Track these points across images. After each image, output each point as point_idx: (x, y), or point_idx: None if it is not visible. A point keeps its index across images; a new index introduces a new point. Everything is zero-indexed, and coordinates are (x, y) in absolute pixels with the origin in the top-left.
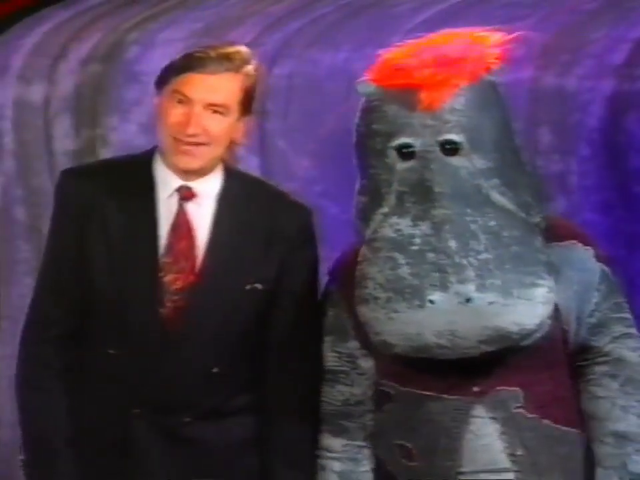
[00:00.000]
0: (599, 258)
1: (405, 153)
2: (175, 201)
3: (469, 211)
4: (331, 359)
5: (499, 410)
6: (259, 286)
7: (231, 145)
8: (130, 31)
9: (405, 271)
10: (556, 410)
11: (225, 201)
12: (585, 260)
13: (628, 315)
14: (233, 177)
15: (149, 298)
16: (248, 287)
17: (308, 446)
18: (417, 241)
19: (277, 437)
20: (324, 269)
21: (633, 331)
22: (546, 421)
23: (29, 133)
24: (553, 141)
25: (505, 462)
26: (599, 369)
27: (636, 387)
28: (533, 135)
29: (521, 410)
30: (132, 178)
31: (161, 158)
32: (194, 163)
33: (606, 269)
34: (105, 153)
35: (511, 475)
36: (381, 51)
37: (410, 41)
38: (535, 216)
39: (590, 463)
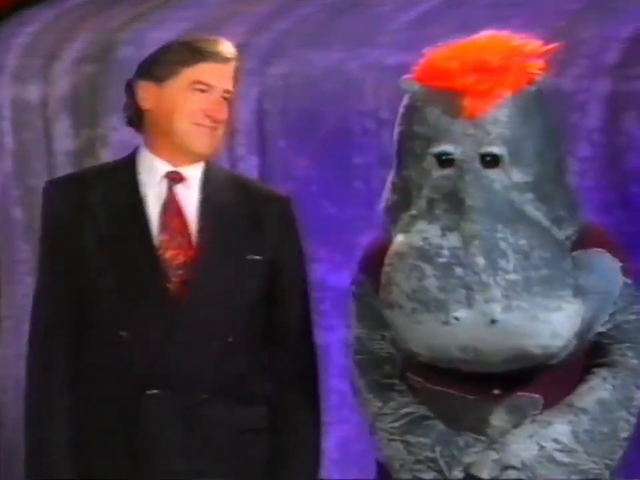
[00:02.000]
0: (625, 271)
1: (444, 160)
2: (164, 185)
3: (500, 227)
4: (376, 344)
5: (516, 414)
6: (257, 257)
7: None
8: (119, 31)
9: (431, 283)
10: None
11: (208, 185)
12: (610, 270)
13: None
14: (212, 166)
15: (154, 275)
16: (249, 257)
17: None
18: (445, 252)
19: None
20: (323, 268)
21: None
22: None
23: (27, 132)
24: None
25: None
26: (597, 368)
27: (620, 383)
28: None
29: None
30: (115, 177)
31: (148, 149)
32: (209, 147)
33: (629, 282)
34: (105, 153)
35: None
36: (426, 50)
37: (452, 42)
38: (567, 229)
39: None
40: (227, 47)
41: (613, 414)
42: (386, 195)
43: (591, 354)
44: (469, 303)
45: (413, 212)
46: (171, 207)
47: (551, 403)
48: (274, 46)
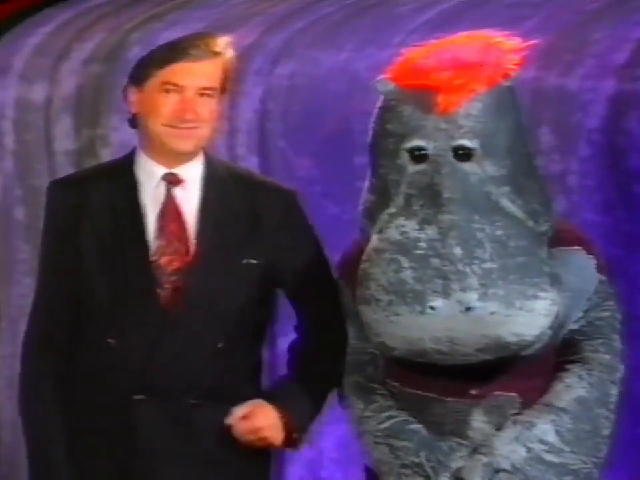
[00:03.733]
0: (600, 268)
1: (417, 155)
2: (162, 188)
3: (476, 217)
4: (359, 345)
5: (494, 414)
6: (253, 261)
7: (214, 128)
8: (132, 31)
9: (408, 274)
10: None
11: (209, 183)
12: (585, 268)
13: (615, 325)
14: (214, 162)
15: (145, 281)
16: (245, 262)
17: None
18: (422, 245)
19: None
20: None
21: (615, 342)
22: None
23: (29, 133)
24: (553, 141)
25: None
26: (570, 365)
27: (596, 381)
28: (533, 135)
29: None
30: (114, 178)
31: (143, 151)
32: (189, 145)
33: (604, 279)
34: (106, 153)
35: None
36: (402, 50)
37: (429, 42)
38: (542, 224)
39: None
40: (205, 44)
41: (592, 411)
42: (363, 197)
43: (562, 351)
44: (446, 293)
45: (392, 210)
46: (169, 211)
47: (527, 401)
48: (284, 46)
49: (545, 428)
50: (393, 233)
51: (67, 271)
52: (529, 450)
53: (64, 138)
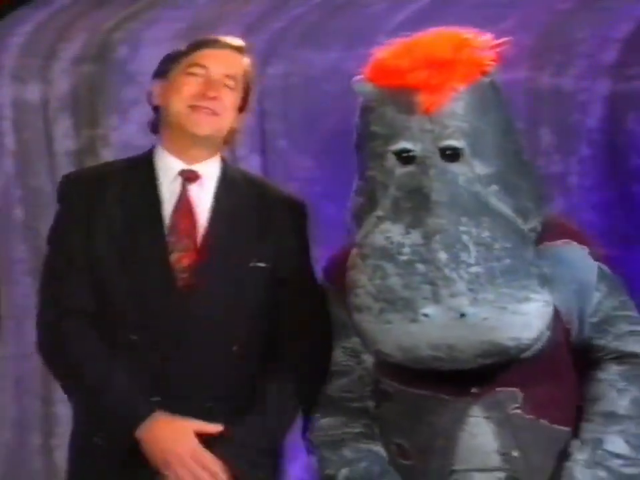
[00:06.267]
0: (594, 256)
1: (405, 157)
2: (178, 183)
3: (464, 220)
4: (337, 356)
5: (495, 410)
6: (262, 264)
7: (230, 135)
8: (114, 31)
9: (395, 281)
10: (554, 410)
11: (224, 184)
12: (580, 259)
13: (632, 313)
14: (230, 167)
15: (162, 278)
16: (252, 264)
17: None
18: (407, 250)
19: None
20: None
21: (638, 328)
22: (543, 422)
23: (28, 133)
24: (552, 141)
25: (497, 461)
26: (605, 364)
27: (637, 377)
28: (532, 135)
29: (518, 411)
30: (133, 173)
31: (162, 146)
32: (207, 129)
33: (603, 267)
34: (106, 153)
35: (502, 475)
36: (372, 50)
37: (398, 40)
38: (532, 221)
39: None
40: (230, 38)
41: None
42: (352, 200)
43: (591, 349)
44: (436, 299)
45: (379, 213)
46: (182, 207)
47: (530, 397)
48: (270, 46)
49: (614, 440)
50: (378, 238)
51: (81, 261)
52: (609, 469)
53: (64, 138)
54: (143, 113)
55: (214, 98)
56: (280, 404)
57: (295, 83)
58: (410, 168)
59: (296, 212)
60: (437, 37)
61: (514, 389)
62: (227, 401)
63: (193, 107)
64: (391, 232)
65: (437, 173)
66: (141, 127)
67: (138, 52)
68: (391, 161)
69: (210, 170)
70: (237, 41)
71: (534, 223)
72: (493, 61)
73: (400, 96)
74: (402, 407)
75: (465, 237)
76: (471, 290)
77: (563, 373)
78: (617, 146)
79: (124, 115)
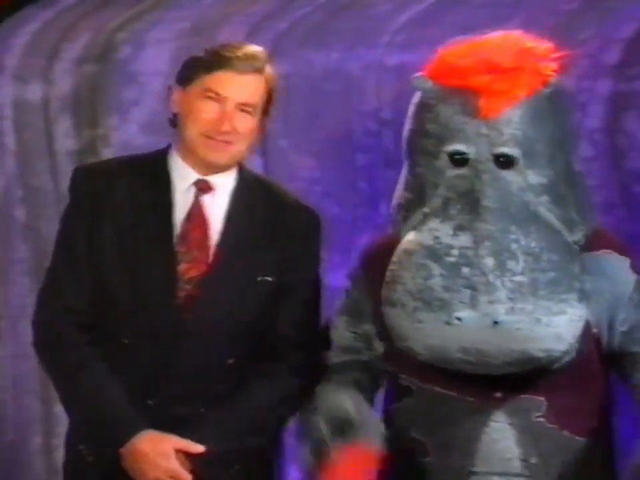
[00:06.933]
0: (635, 268)
1: (458, 159)
2: (191, 193)
3: (513, 228)
4: (347, 338)
5: (518, 417)
6: (269, 278)
7: (251, 145)
8: (118, 31)
9: (437, 282)
10: (576, 420)
11: (238, 195)
12: (619, 269)
13: None
14: (247, 175)
15: (164, 286)
16: (259, 279)
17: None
18: (455, 252)
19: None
20: (323, 268)
21: None
22: (565, 432)
23: (29, 133)
24: None
25: (517, 468)
26: None
27: None
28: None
29: (541, 419)
30: (146, 173)
31: (178, 154)
32: (223, 158)
33: None
34: (107, 153)
35: None
36: (437, 48)
37: (463, 40)
38: (577, 232)
39: (603, 473)
40: (252, 57)
41: None
42: (398, 192)
43: (621, 358)
44: (473, 304)
45: (426, 210)
46: (195, 217)
47: (554, 406)
48: (273, 46)
49: None
50: (426, 237)
51: (86, 256)
52: None
53: (64, 138)
54: (144, 113)
55: (227, 132)
56: (255, 406)
57: (297, 84)
58: (462, 170)
59: (309, 224)
60: (503, 41)
61: (538, 397)
62: (220, 407)
63: (205, 136)
64: (439, 231)
65: (490, 179)
66: (141, 127)
67: (140, 52)
68: (443, 161)
69: (225, 181)
70: (259, 58)
71: (579, 235)
72: (556, 71)
73: (459, 97)
74: (423, 404)
75: (513, 245)
76: (510, 299)
77: (588, 384)
78: (618, 146)
79: (125, 115)
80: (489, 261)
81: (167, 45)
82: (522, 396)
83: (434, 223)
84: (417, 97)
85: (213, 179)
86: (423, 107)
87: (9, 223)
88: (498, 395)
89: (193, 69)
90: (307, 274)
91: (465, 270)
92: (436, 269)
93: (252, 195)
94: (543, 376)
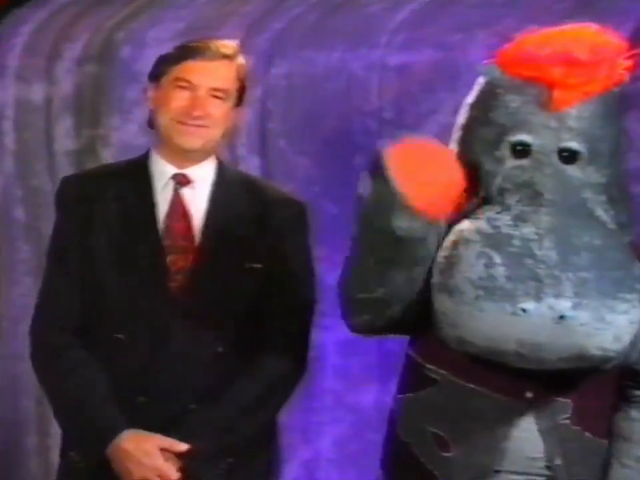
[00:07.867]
0: None
1: (520, 150)
2: (170, 187)
3: (573, 223)
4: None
5: (545, 418)
6: (257, 265)
7: (226, 132)
8: (117, 30)
9: (499, 272)
10: (598, 423)
11: (219, 187)
12: None
13: None
14: (226, 168)
15: (155, 278)
16: (247, 266)
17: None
18: (516, 243)
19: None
20: (323, 267)
21: None
22: (588, 434)
23: (29, 133)
24: None
25: (541, 468)
26: None
27: None
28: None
29: (567, 421)
30: (129, 176)
31: (156, 151)
32: (196, 143)
33: None
34: (106, 153)
35: None
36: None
37: (536, 31)
38: (626, 237)
39: None
40: (221, 46)
41: None
42: None
43: (631, 374)
44: (538, 296)
45: (479, 199)
46: (176, 211)
47: (580, 408)
48: (273, 46)
49: None
50: (484, 226)
51: (78, 264)
52: None
53: (64, 138)
54: (145, 113)
55: (199, 117)
56: (243, 399)
57: (297, 83)
58: (523, 162)
59: (295, 212)
60: (579, 33)
61: (567, 399)
62: (209, 402)
63: (178, 122)
64: (498, 221)
65: (553, 172)
66: (141, 127)
67: (141, 52)
68: (504, 150)
69: (203, 173)
70: (229, 47)
71: (627, 240)
72: (628, 70)
73: (530, 88)
74: (447, 397)
75: (576, 241)
76: (576, 294)
77: (608, 389)
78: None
79: (126, 115)
80: (553, 254)
81: (167, 44)
82: (552, 397)
83: (490, 213)
84: (480, 85)
85: (191, 172)
86: (487, 95)
87: (9, 223)
88: (529, 394)
89: (163, 64)
90: (296, 262)
91: (529, 261)
92: (498, 258)
93: (233, 186)
94: (573, 378)
